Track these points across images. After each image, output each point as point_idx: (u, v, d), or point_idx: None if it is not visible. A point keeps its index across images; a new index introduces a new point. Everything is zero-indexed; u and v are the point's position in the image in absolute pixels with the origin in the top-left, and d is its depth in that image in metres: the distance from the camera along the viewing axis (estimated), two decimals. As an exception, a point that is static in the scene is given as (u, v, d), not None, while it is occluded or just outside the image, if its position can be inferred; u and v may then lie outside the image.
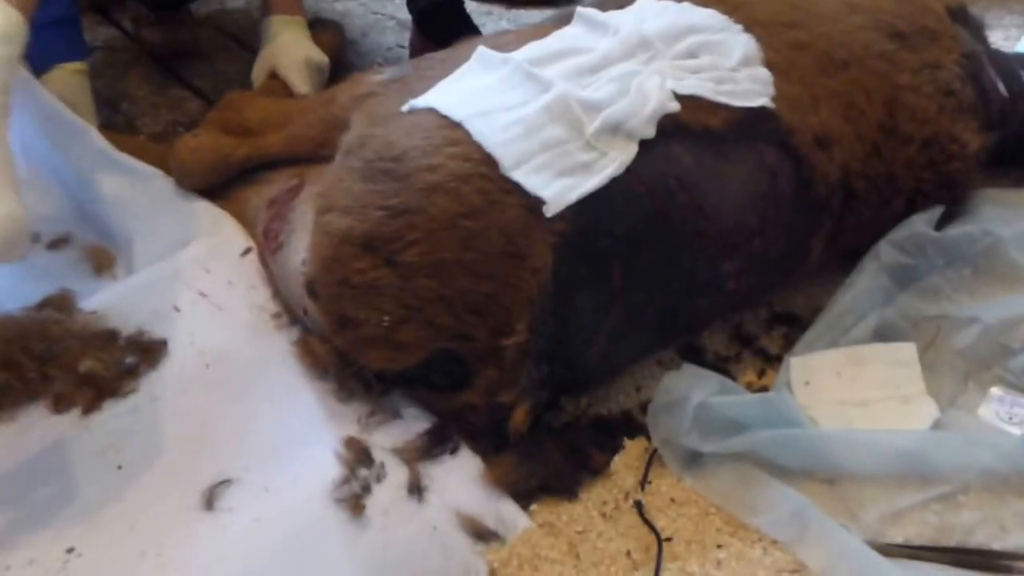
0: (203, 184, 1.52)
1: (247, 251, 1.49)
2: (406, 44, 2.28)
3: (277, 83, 1.76)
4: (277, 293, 1.42)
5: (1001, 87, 1.59)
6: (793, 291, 1.49)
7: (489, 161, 1.16)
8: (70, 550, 1.12)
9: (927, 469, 1.18)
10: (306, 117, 1.45)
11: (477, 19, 2.13)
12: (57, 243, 1.60)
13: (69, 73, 1.87)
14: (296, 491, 1.17)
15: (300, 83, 1.75)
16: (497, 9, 2.49)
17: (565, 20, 1.93)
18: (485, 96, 1.23)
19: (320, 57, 1.81)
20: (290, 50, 1.79)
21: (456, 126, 1.19)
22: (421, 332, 1.16)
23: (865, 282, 1.39)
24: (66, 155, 1.61)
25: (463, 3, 2.10)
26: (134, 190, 1.56)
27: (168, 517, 1.15)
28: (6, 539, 1.13)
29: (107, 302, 1.43)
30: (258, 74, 1.80)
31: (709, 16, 1.36)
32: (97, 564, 1.11)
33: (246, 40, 2.26)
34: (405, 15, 2.42)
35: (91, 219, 1.61)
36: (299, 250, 1.29)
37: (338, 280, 1.17)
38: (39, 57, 1.87)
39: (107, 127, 1.78)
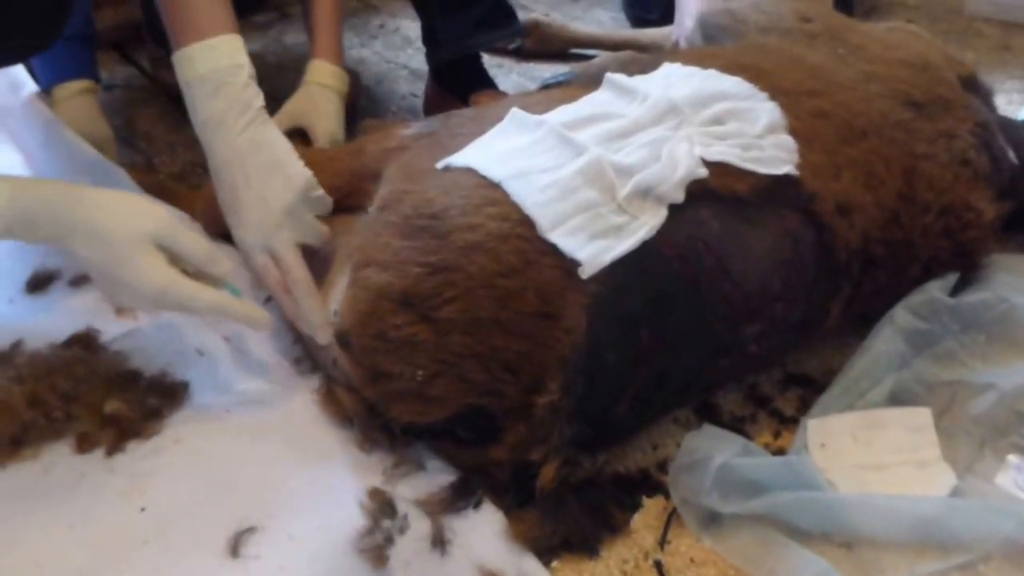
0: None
1: (269, 298, 1.47)
2: (419, 93, 2.31)
3: (296, 133, 1.74)
4: (299, 339, 1.42)
5: (1011, 155, 1.60)
6: (807, 353, 1.49)
7: (527, 222, 1.17)
8: (96, 592, 1.11)
9: (947, 536, 1.18)
10: (333, 166, 1.44)
11: (488, 71, 2.15)
12: (79, 281, 1.58)
13: (80, 92, 1.88)
14: (320, 540, 1.16)
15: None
16: (508, 62, 2.52)
17: (584, 77, 1.96)
18: (520, 157, 1.24)
19: (341, 135, 1.79)
20: (325, 121, 1.78)
21: (494, 186, 1.20)
22: (453, 387, 1.16)
23: (881, 346, 1.39)
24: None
25: (481, 59, 2.12)
26: (158, 232, 1.55)
27: (193, 562, 1.14)
28: (32, 579, 1.12)
29: (131, 343, 1.42)
30: (283, 118, 1.77)
31: (735, 84, 1.38)
32: (123, 607, 1.10)
33: (259, 84, 2.26)
34: (417, 65, 2.46)
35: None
36: (330, 302, 1.29)
37: (374, 334, 1.17)
38: (49, 71, 1.88)
39: (125, 165, 1.78)
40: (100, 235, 1.19)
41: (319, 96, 1.80)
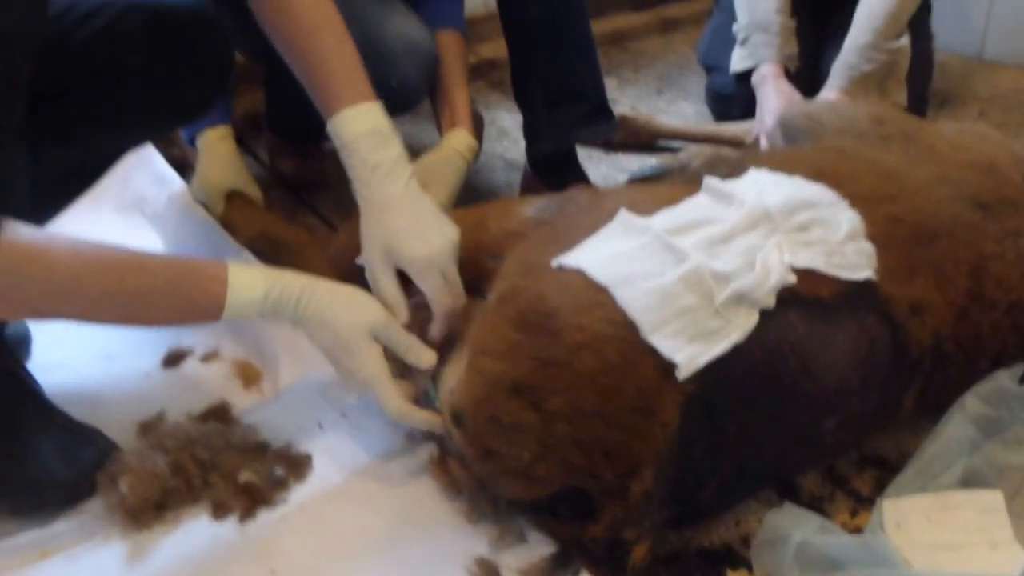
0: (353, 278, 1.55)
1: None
2: (514, 183, 2.40)
3: None
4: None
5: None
6: (882, 436, 1.53)
7: (630, 325, 1.23)
8: (233, 648, 1.19)
9: (1018, 614, 1.21)
10: None
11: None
12: (208, 357, 1.71)
13: (220, 138, 2.03)
14: (434, 604, 1.24)
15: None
16: (597, 153, 2.59)
17: (672, 170, 2.04)
18: (627, 262, 1.30)
19: (450, 205, 1.90)
20: (442, 188, 1.91)
21: (602, 290, 1.26)
22: (556, 469, 1.23)
23: (952, 431, 1.42)
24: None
25: (576, 152, 2.21)
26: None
27: (320, 622, 1.22)
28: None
29: (260, 416, 1.53)
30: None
31: (820, 192, 1.43)
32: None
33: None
34: (513, 156, 2.55)
35: (240, 336, 1.72)
36: (447, 380, 1.37)
37: (487, 417, 1.25)
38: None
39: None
40: (329, 325, 1.37)
41: (451, 163, 1.94)
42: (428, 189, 1.77)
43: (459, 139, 1.99)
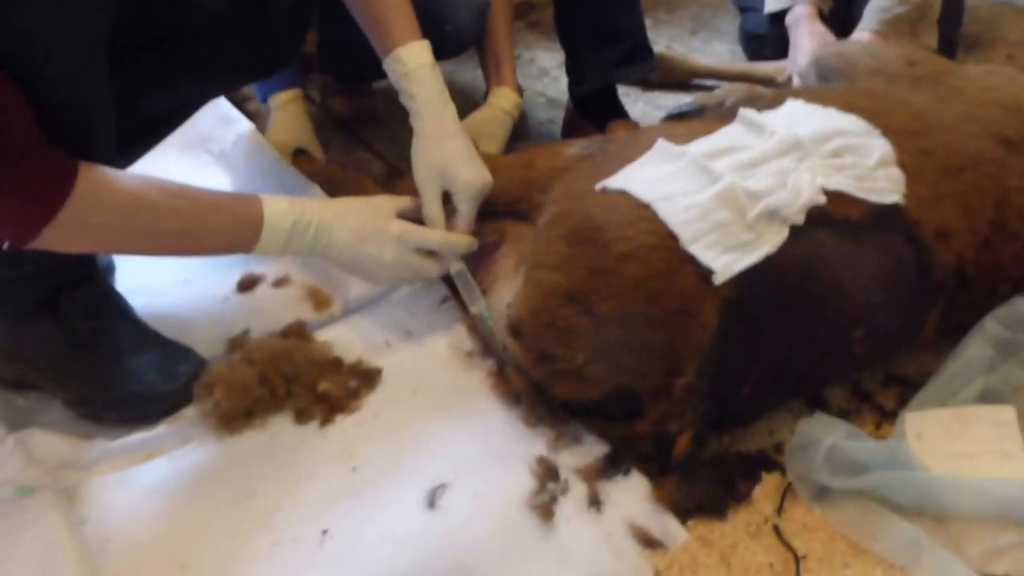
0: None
1: (445, 299, 1.74)
2: (556, 120, 2.52)
3: None
4: (474, 329, 1.67)
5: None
6: (906, 356, 1.65)
7: (671, 236, 1.38)
8: (324, 531, 1.36)
9: (1024, 513, 1.35)
10: (507, 175, 1.68)
11: (619, 100, 2.38)
12: (280, 283, 1.87)
13: (291, 99, 2.21)
14: (500, 496, 1.39)
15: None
16: (634, 91, 2.70)
17: (708, 107, 2.17)
18: (666, 183, 1.44)
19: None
20: (490, 142, 2.08)
21: (644, 206, 1.41)
22: (607, 369, 1.38)
23: (972, 352, 1.53)
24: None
25: (616, 90, 2.34)
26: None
27: (398, 511, 1.38)
28: (271, 520, 1.38)
29: (333, 335, 1.68)
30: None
31: (852, 121, 1.56)
32: (346, 544, 1.34)
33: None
34: (554, 93, 2.67)
35: (309, 264, 1.87)
36: (502, 296, 1.52)
37: (544, 323, 1.40)
38: (266, 83, 2.22)
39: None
40: (354, 211, 1.55)
41: (498, 120, 2.13)
42: (479, 143, 1.95)
43: (505, 97, 2.17)
